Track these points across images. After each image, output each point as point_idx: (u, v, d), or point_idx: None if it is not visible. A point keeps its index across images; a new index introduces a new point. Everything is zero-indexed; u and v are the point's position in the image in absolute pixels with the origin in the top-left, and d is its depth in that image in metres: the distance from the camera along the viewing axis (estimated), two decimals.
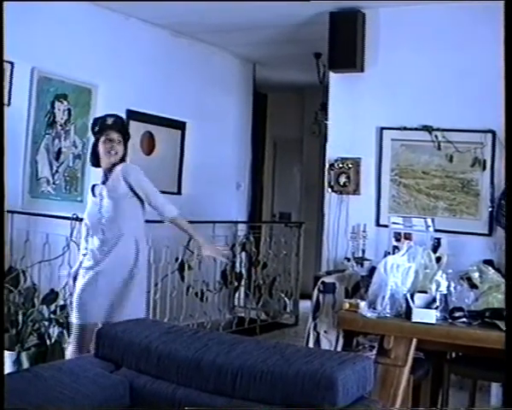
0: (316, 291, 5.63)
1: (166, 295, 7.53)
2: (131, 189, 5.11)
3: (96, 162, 5.30)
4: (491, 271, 5.04)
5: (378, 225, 7.19)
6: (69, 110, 7.37)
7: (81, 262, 5.33)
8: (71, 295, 5.74)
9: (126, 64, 7.95)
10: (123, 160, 5.25)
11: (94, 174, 7.49)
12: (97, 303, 5.02)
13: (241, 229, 9.30)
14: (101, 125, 5.20)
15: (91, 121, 5.48)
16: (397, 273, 4.87)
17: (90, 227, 5.22)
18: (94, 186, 5.28)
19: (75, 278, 5.38)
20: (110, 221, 5.09)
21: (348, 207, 7.41)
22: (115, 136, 5.17)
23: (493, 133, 6.53)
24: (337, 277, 5.89)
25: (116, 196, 5.11)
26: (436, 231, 6.06)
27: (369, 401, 3.34)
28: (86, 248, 5.28)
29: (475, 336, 4.54)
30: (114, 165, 5.18)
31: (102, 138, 5.16)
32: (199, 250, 5.44)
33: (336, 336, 5.36)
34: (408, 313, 4.72)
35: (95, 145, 5.26)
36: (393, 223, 6.18)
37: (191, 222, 5.34)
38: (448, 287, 4.77)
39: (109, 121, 5.21)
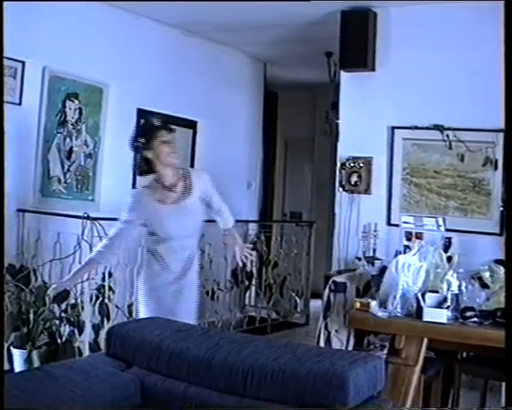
0: (327, 290, 5.62)
1: None
2: (204, 197, 5.01)
3: (148, 170, 4.94)
4: (502, 270, 5.02)
5: (389, 224, 7.19)
6: (80, 109, 7.38)
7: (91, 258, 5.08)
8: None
9: (137, 63, 7.96)
10: None
11: (106, 174, 7.56)
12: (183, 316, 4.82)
13: (252, 228, 9.30)
14: (151, 129, 4.90)
15: (133, 130, 5.09)
16: (408, 273, 4.87)
17: (165, 236, 4.91)
18: (146, 190, 4.95)
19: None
20: (191, 232, 4.98)
21: (359, 206, 7.41)
22: (169, 136, 4.91)
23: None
24: (348, 276, 5.88)
25: (192, 203, 4.94)
26: (447, 230, 6.04)
27: (380, 401, 3.33)
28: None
29: (486, 336, 4.54)
30: (183, 170, 5.00)
31: (157, 142, 4.82)
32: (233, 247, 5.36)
33: (347, 335, 5.35)
34: (419, 312, 4.72)
35: (143, 152, 4.87)
36: (404, 222, 6.16)
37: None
38: (459, 286, 4.77)
39: (157, 122, 4.94)
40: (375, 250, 7.08)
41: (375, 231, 7.15)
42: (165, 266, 4.91)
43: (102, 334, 6.19)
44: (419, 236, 5.96)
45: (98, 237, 6.43)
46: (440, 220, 6.00)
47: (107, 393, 3.34)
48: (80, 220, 6.53)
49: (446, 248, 5.80)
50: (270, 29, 8.29)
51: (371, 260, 6.80)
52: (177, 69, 8.53)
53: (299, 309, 9.63)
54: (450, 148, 6.90)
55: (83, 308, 6.48)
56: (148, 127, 4.96)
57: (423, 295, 4.75)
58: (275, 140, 12.52)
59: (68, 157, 7.29)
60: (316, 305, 8.71)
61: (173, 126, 5.08)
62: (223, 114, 9.24)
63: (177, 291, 4.92)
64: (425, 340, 4.81)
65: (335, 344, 5.37)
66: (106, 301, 6.52)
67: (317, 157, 12.38)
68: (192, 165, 8.89)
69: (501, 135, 6.56)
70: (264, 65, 10.33)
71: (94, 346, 6.42)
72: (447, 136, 6.89)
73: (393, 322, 4.81)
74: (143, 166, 4.96)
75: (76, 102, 7.32)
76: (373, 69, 7.32)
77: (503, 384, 5.77)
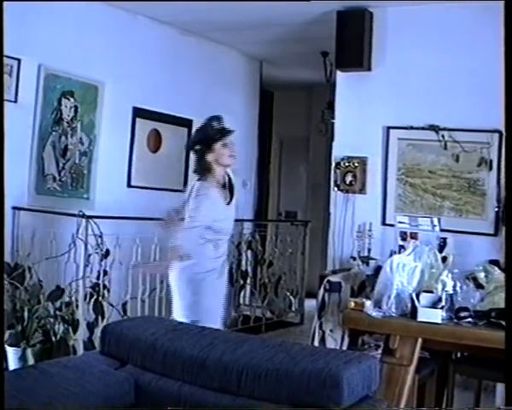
0: (321, 290, 5.62)
1: None
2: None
3: (206, 171, 5.17)
4: (496, 271, 5.04)
5: (384, 224, 7.18)
6: (76, 107, 7.37)
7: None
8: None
9: (133, 62, 7.95)
10: None
11: (101, 172, 7.55)
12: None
13: (247, 227, 9.28)
14: (213, 133, 5.15)
15: (194, 134, 5.35)
16: (402, 273, 4.87)
17: (223, 233, 5.22)
18: (211, 188, 5.11)
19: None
20: (232, 230, 5.33)
21: (354, 206, 7.40)
22: (228, 138, 5.19)
23: (500, 133, 6.51)
24: (343, 276, 5.89)
25: (235, 203, 5.30)
26: (442, 230, 6.04)
27: (374, 401, 3.33)
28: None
29: (481, 336, 4.54)
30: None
31: (218, 145, 5.13)
32: None
33: (342, 335, 5.35)
34: (413, 312, 4.72)
35: (205, 154, 5.15)
36: (399, 222, 6.16)
37: None
38: (454, 287, 4.77)
39: (218, 125, 5.20)
40: (369, 250, 7.08)
41: (369, 230, 7.15)
42: (215, 260, 5.19)
43: (97, 332, 6.19)
44: (414, 236, 5.95)
45: (93, 235, 6.44)
46: (435, 220, 6.00)
47: (102, 391, 3.34)
48: (75, 218, 6.52)
49: (441, 248, 5.80)
50: (267, 28, 8.29)
51: (366, 260, 6.80)
52: (173, 68, 8.52)
53: (293, 308, 9.62)
54: (446, 148, 6.90)
55: (77, 306, 6.47)
56: (210, 131, 5.18)
57: (418, 296, 4.75)
58: (270, 139, 12.50)
59: (63, 155, 7.28)
60: (310, 304, 8.70)
61: (232, 129, 5.31)
62: (218, 112, 9.15)
63: (219, 287, 5.21)
64: (419, 340, 4.81)
65: (330, 344, 5.38)
66: (100, 299, 6.52)
67: (312, 157, 12.38)
68: (187, 164, 8.87)
69: (496, 135, 6.58)
70: (260, 64, 10.32)
71: (88, 344, 6.41)
72: (442, 136, 6.89)
73: (388, 322, 4.81)
74: (205, 168, 5.17)
75: (71, 99, 7.32)
76: (369, 69, 7.32)
77: (498, 385, 5.79)
